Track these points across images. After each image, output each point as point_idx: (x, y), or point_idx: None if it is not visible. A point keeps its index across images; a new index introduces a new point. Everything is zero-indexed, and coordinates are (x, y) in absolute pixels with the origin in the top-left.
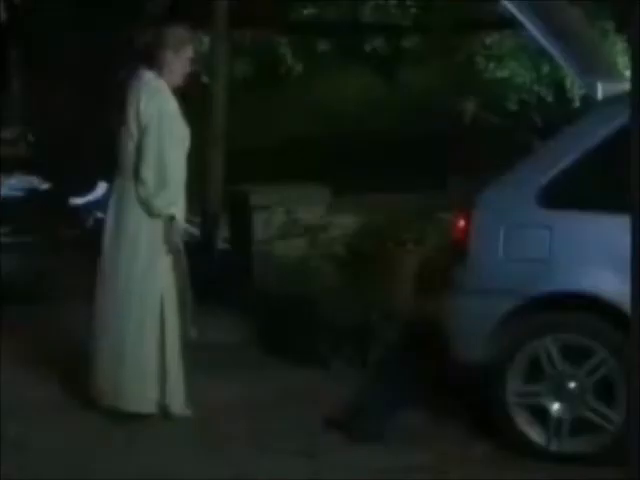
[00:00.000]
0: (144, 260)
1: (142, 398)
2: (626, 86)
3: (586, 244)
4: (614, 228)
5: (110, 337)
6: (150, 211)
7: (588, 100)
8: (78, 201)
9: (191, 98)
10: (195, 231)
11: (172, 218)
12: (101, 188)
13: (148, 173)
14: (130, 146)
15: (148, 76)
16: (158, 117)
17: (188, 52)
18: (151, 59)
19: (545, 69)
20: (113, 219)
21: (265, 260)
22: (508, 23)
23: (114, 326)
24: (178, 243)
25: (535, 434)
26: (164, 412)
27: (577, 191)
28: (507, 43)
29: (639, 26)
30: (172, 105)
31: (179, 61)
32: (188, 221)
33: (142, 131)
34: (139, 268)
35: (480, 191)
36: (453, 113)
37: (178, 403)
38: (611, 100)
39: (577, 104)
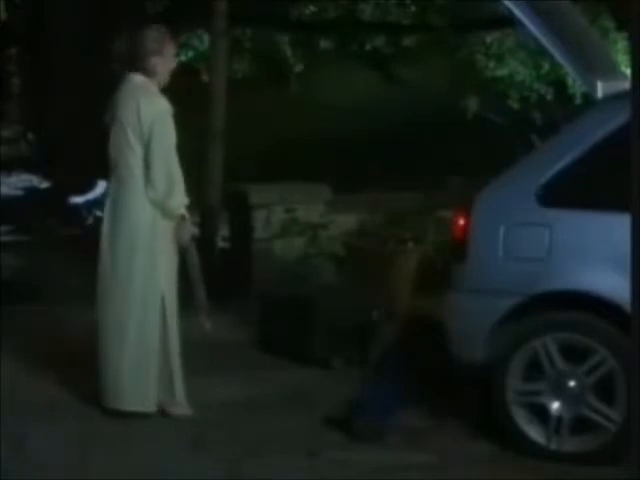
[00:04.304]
0: (144, 260)
1: (142, 397)
2: (626, 85)
3: (586, 243)
4: (614, 227)
5: (111, 336)
6: (163, 213)
7: (589, 98)
8: (78, 200)
9: (190, 97)
10: (194, 230)
11: (183, 217)
12: (101, 186)
13: (159, 176)
14: (125, 148)
15: (138, 79)
16: (160, 120)
17: (171, 50)
18: (136, 63)
19: (545, 67)
20: (109, 221)
21: (265, 259)
22: (508, 22)
23: (115, 325)
24: (188, 240)
25: (535, 433)
26: (164, 412)
27: (577, 190)
28: (507, 41)
29: (639, 24)
30: (167, 107)
31: (164, 62)
32: None
33: (146, 136)
34: (139, 268)
35: (480, 190)
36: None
37: (178, 403)
38: (611, 99)
39: (578, 102)
